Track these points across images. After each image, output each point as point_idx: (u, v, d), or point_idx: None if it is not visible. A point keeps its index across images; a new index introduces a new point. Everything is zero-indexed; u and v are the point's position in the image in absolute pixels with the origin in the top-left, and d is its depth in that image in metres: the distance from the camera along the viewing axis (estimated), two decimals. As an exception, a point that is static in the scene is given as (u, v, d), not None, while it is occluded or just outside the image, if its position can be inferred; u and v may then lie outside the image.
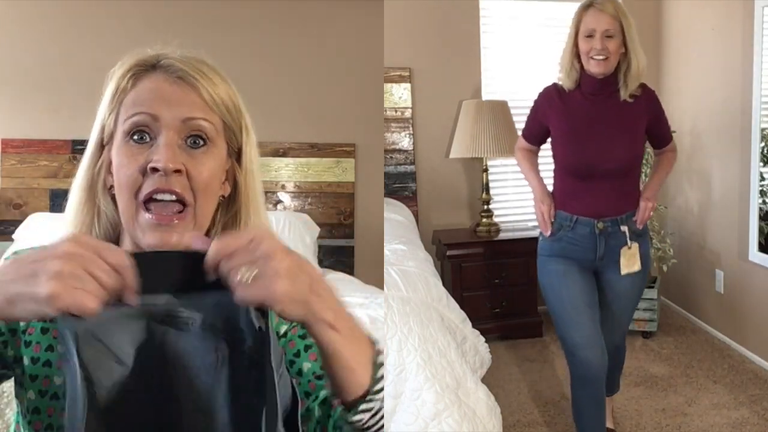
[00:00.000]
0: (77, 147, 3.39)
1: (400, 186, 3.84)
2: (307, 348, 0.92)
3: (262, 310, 0.72)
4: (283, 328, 0.93)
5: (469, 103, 3.56)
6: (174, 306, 0.73)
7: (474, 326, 2.29)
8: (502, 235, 3.60)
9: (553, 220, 2.13)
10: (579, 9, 2.03)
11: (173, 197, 0.80)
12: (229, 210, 0.90)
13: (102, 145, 0.87)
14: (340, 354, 0.73)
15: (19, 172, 3.40)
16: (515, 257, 3.47)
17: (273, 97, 3.52)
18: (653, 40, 3.91)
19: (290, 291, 0.69)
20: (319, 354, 0.77)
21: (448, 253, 3.51)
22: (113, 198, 0.86)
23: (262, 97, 3.51)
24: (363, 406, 0.75)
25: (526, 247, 3.23)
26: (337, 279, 3.39)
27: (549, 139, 2.20)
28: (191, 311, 0.73)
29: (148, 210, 0.80)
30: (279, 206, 3.60)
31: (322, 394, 0.87)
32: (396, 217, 3.33)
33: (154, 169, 0.79)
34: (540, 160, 2.34)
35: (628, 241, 2.08)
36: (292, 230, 3.34)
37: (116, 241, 0.88)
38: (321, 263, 3.53)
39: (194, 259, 0.72)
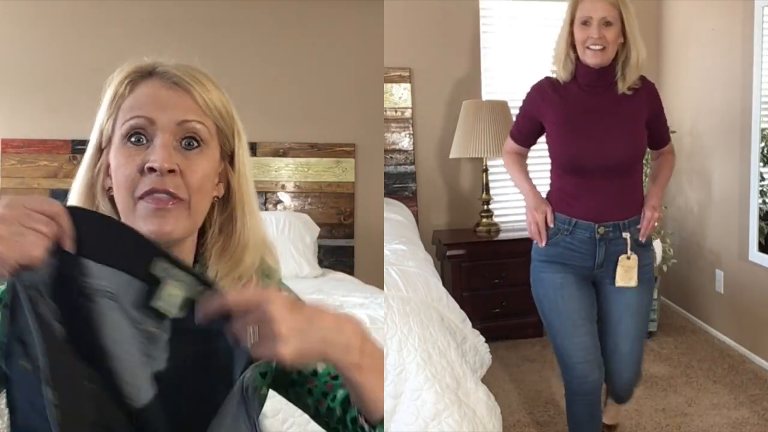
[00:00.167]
0: (77, 147, 3.39)
1: (400, 186, 3.84)
2: None
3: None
4: None
5: (469, 103, 3.56)
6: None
7: (474, 326, 2.29)
8: (502, 235, 3.60)
9: (552, 225, 1.95)
10: None
11: (168, 196, 0.84)
12: (224, 210, 0.94)
13: (100, 149, 0.91)
14: (364, 386, 0.78)
15: (19, 172, 3.40)
16: (515, 257, 3.47)
17: (273, 97, 3.53)
18: (653, 40, 3.91)
19: (298, 349, 0.72)
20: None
21: (448, 253, 3.51)
22: (110, 199, 0.90)
23: (262, 97, 3.51)
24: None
25: (526, 247, 3.20)
26: (337, 279, 3.40)
27: (543, 138, 2.04)
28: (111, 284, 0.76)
29: (145, 200, 0.85)
30: (279, 206, 3.61)
31: (341, 393, 0.91)
32: (396, 217, 3.33)
33: (151, 169, 0.83)
34: (536, 161, 2.26)
35: (628, 251, 1.90)
36: (292, 230, 3.34)
37: None
38: (321, 263, 3.53)
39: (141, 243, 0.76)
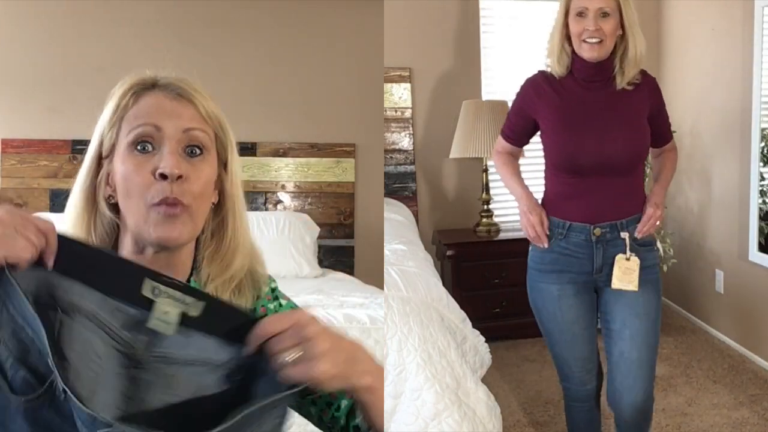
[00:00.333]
0: (77, 147, 3.40)
1: (400, 186, 3.84)
2: None
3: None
4: None
5: (469, 103, 3.56)
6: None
7: (474, 326, 2.29)
8: (502, 235, 3.60)
9: (548, 232, 1.84)
10: None
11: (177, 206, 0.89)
12: (217, 216, 0.99)
13: (100, 159, 0.94)
14: (376, 406, 0.82)
15: (19, 172, 3.40)
16: (515, 257, 3.44)
17: (273, 97, 3.53)
18: (653, 41, 3.91)
19: (331, 370, 0.76)
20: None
21: (448, 253, 3.51)
22: (111, 207, 0.93)
23: (262, 97, 3.51)
24: None
25: (525, 247, 3.19)
26: (337, 279, 3.40)
27: (536, 138, 1.94)
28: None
29: (158, 207, 0.88)
30: (279, 206, 3.61)
31: (345, 404, 0.94)
32: (396, 217, 3.33)
33: (162, 175, 0.87)
34: (530, 161, 2.20)
35: (627, 251, 1.77)
36: (292, 230, 3.34)
37: (113, 247, 0.95)
38: (321, 263, 3.53)
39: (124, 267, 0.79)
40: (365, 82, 3.52)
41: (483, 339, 2.30)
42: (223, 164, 0.98)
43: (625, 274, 1.78)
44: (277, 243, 3.25)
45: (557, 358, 1.97)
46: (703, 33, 3.52)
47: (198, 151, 0.92)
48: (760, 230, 3.08)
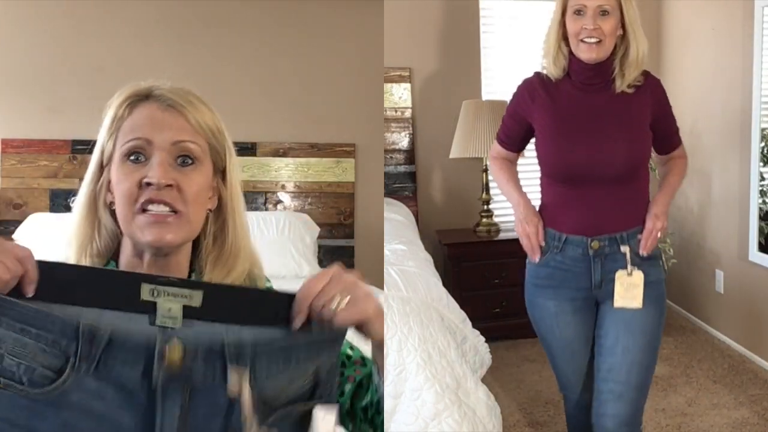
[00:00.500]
0: (77, 147, 3.39)
1: (400, 186, 3.84)
2: None
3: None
4: None
5: (469, 103, 3.56)
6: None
7: (474, 326, 2.29)
8: (502, 235, 3.60)
9: (542, 243, 1.73)
10: None
11: (167, 208, 0.92)
12: (217, 222, 1.02)
13: (102, 166, 0.99)
14: (382, 330, 0.90)
15: (19, 172, 3.40)
16: (515, 257, 3.42)
17: (273, 97, 3.53)
18: (653, 40, 3.91)
19: (378, 308, 0.86)
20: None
21: (448, 253, 3.52)
22: (113, 213, 0.97)
23: (262, 97, 3.51)
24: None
25: (526, 247, 3.23)
26: (337, 279, 3.38)
27: (533, 140, 1.83)
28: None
29: (144, 212, 0.92)
30: (279, 206, 3.61)
31: (348, 388, 0.99)
32: (396, 217, 3.33)
33: (149, 184, 0.91)
34: (527, 167, 2.08)
35: (628, 266, 1.64)
36: (292, 230, 3.34)
37: (116, 251, 0.99)
38: (321, 263, 3.53)
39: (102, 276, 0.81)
40: (365, 82, 3.52)
41: (483, 339, 2.30)
42: (220, 171, 1.01)
43: (628, 290, 1.65)
44: (277, 243, 3.25)
45: (556, 369, 1.91)
46: (703, 33, 3.52)
47: (189, 161, 0.95)
48: (760, 230, 3.08)
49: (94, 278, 0.80)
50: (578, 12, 1.61)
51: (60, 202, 3.37)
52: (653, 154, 1.84)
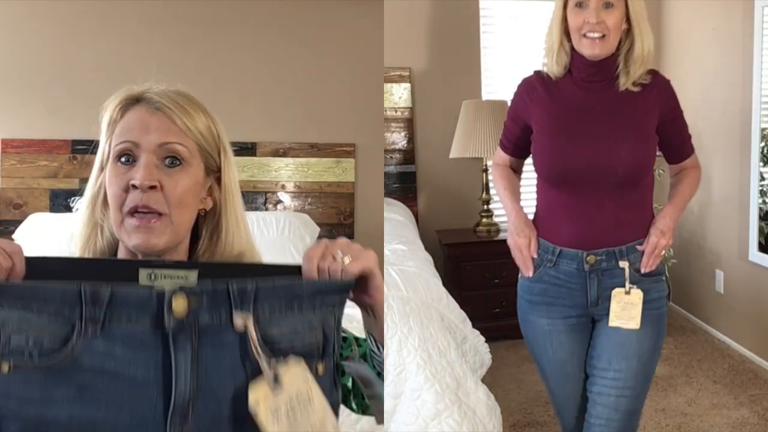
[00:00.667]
0: (77, 147, 3.39)
1: (400, 186, 3.84)
2: None
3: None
4: None
5: (469, 103, 3.56)
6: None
7: (474, 326, 2.29)
8: (502, 235, 3.59)
9: (534, 256, 1.61)
10: None
11: (151, 214, 0.94)
12: (213, 222, 1.04)
13: (102, 168, 1.02)
14: (383, 315, 0.95)
15: (19, 172, 3.40)
16: (515, 257, 3.47)
17: (273, 97, 3.52)
18: (653, 40, 3.91)
19: (376, 260, 0.92)
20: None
21: (448, 253, 3.52)
22: None
23: (262, 97, 3.51)
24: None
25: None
26: (337, 279, 3.39)
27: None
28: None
29: (132, 216, 0.95)
30: (279, 206, 3.60)
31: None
32: (396, 217, 3.33)
33: (134, 186, 0.94)
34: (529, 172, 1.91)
35: (626, 284, 1.53)
36: (292, 230, 3.34)
37: (115, 253, 1.02)
38: (321, 263, 3.53)
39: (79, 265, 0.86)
40: (365, 82, 3.52)
41: (483, 339, 2.30)
42: (214, 173, 1.03)
43: (625, 309, 1.54)
44: (277, 243, 3.25)
45: (550, 391, 1.79)
46: (703, 33, 3.52)
47: (177, 162, 0.97)
48: (760, 230, 3.08)
49: (91, 268, 0.84)
50: (580, 5, 1.50)
51: (60, 202, 3.37)
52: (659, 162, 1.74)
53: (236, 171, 1.07)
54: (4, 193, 3.39)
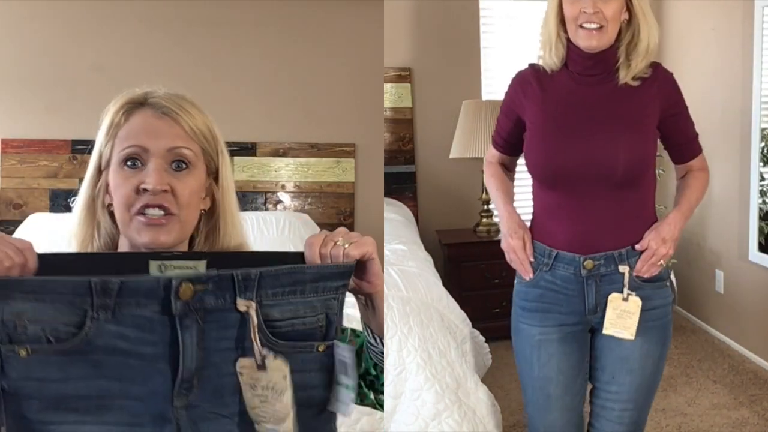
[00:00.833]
0: (77, 147, 3.39)
1: (400, 186, 3.84)
2: None
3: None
4: None
5: (469, 103, 3.56)
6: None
7: (474, 326, 2.29)
8: (502, 235, 3.59)
9: (532, 259, 1.52)
10: None
11: (162, 212, 0.97)
12: (210, 221, 1.07)
13: (100, 170, 1.03)
14: (383, 306, 0.98)
15: (19, 172, 3.40)
16: (515, 257, 3.47)
17: (273, 97, 3.52)
18: (659, 32, 3.91)
19: (374, 244, 0.94)
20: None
21: (448, 253, 3.51)
22: (111, 214, 1.02)
23: (262, 97, 3.51)
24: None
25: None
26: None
27: None
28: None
29: (141, 215, 0.97)
30: (279, 206, 3.60)
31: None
32: (396, 217, 3.33)
33: (145, 190, 0.96)
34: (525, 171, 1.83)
35: (624, 290, 1.44)
36: (292, 230, 3.34)
37: (115, 250, 1.04)
38: (321, 263, 3.53)
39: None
40: (365, 82, 3.52)
41: (483, 339, 2.30)
42: (213, 174, 1.06)
43: (621, 318, 1.45)
44: (277, 243, 3.25)
45: (530, 421, 1.63)
46: (703, 33, 3.52)
47: (184, 165, 1.00)
48: (760, 230, 3.08)
49: (101, 262, 0.88)
50: None
51: (60, 202, 3.37)
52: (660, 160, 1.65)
53: (232, 171, 1.10)
54: (4, 193, 3.39)
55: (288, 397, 0.87)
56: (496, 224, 3.64)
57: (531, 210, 1.60)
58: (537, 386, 1.56)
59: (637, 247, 1.47)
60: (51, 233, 2.91)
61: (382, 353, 1.02)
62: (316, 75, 3.56)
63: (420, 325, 1.98)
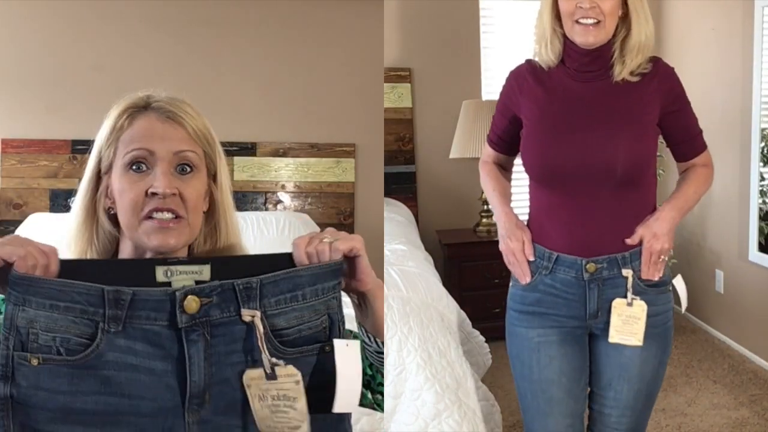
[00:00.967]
0: (77, 147, 3.39)
1: (400, 186, 3.84)
2: None
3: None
4: None
5: (469, 103, 3.56)
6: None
7: (474, 326, 2.29)
8: (502, 235, 3.59)
9: (531, 258, 1.46)
10: None
11: (171, 215, 0.98)
12: (209, 222, 1.08)
13: (99, 174, 1.03)
14: (380, 306, 1.00)
15: (19, 172, 3.40)
16: (515, 257, 3.46)
17: (273, 97, 3.52)
18: (653, 28, 3.91)
19: (363, 242, 0.96)
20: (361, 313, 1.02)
21: (448, 253, 3.51)
22: (111, 218, 1.03)
23: (262, 97, 3.51)
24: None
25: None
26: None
27: None
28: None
29: (149, 219, 0.98)
30: (279, 206, 3.60)
31: None
32: (396, 217, 3.33)
33: (154, 194, 0.97)
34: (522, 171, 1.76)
35: (628, 295, 1.41)
36: (292, 230, 3.34)
37: (114, 253, 1.05)
38: (321, 263, 3.53)
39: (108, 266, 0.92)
40: (365, 82, 3.52)
41: (483, 339, 2.30)
42: (212, 176, 1.07)
43: (627, 324, 1.41)
44: (277, 243, 3.25)
45: (527, 428, 1.57)
46: (703, 33, 3.52)
47: (189, 169, 1.01)
48: (760, 230, 3.08)
49: (113, 269, 0.90)
50: None
51: (60, 202, 3.37)
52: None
53: (228, 174, 1.12)
54: (4, 193, 3.39)
55: (302, 404, 0.88)
56: (496, 224, 3.64)
57: (525, 209, 1.56)
58: (537, 390, 1.49)
59: (628, 241, 1.42)
60: (51, 233, 2.91)
61: (379, 353, 1.03)
62: (316, 75, 3.56)
63: (420, 325, 1.98)
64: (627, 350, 1.45)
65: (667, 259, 1.47)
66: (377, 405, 1.07)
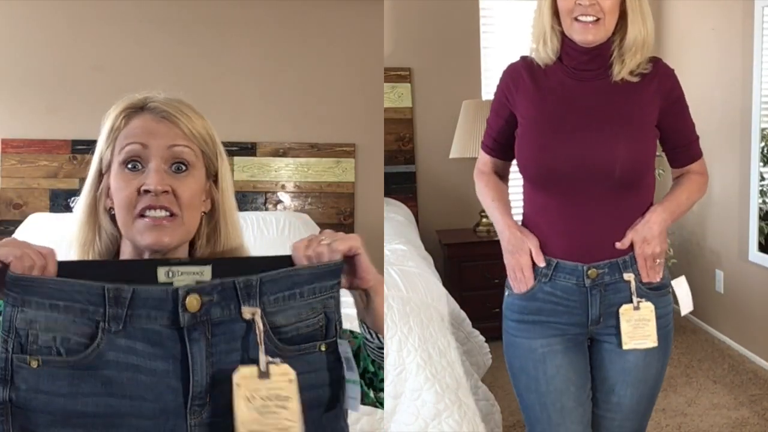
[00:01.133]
0: (77, 147, 3.39)
1: (400, 186, 3.84)
2: None
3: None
4: None
5: (469, 103, 3.56)
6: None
7: (474, 326, 2.29)
8: (502, 235, 3.59)
9: (541, 264, 1.42)
10: None
11: (164, 213, 0.98)
12: (210, 223, 1.08)
13: (100, 174, 1.04)
14: (381, 302, 1.00)
15: (19, 172, 3.40)
16: (515, 257, 3.46)
17: (273, 97, 3.52)
18: (652, 27, 3.91)
19: (361, 242, 0.95)
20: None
21: (448, 253, 3.51)
22: (112, 217, 1.03)
23: (262, 97, 3.51)
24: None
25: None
26: (337, 279, 3.38)
27: None
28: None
29: (143, 217, 0.98)
30: (279, 206, 3.60)
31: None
32: (396, 217, 3.33)
33: (147, 191, 0.97)
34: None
35: (634, 299, 1.38)
36: (292, 230, 3.34)
37: (116, 253, 1.05)
38: (321, 263, 3.53)
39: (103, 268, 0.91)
40: (365, 82, 3.52)
41: (483, 339, 2.30)
42: (212, 176, 1.07)
43: (638, 328, 1.38)
44: (277, 243, 3.25)
45: None
46: (703, 33, 3.52)
47: (183, 167, 1.01)
48: (760, 230, 3.08)
49: (113, 269, 0.89)
50: None
51: (60, 202, 3.37)
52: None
53: (231, 174, 1.12)
54: (4, 193, 3.39)
55: (295, 403, 0.86)
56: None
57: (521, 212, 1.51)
58: (547, 402, 1.44)
59: (618, 245, 1.38)
60: (51, 233, 2.91)
61: (380, 349, 1.03)
62: (316, 75, 3.56)
63: (420, 325, 1.98)
64: (630, 355, 1.42)
65: (664, 260, 1.44)
66: (379, 403, 1.07)
